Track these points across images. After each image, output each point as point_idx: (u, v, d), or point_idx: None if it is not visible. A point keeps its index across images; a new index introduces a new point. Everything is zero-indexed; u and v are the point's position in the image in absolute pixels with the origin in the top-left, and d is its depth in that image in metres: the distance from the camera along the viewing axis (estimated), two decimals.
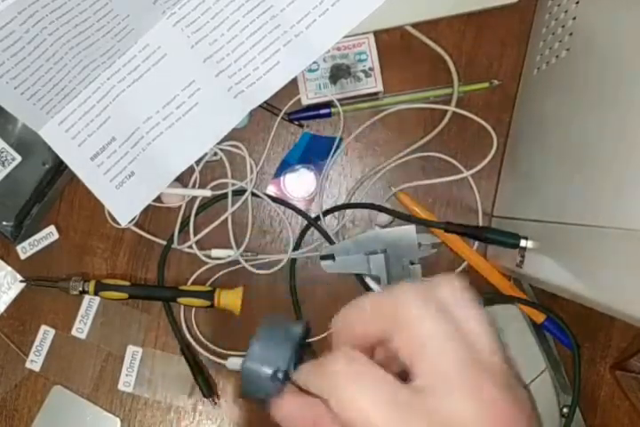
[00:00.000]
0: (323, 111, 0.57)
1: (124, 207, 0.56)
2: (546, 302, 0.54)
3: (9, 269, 0.58)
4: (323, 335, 0.50)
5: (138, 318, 0.58)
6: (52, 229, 0.58)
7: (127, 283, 0.56)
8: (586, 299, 0.38)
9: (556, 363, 0.55)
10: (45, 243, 0.58)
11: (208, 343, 0.58)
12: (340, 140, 0.57)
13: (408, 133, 0.58)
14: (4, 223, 0.56)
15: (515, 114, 0.57)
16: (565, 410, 0.52)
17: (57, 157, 0.55)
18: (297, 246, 0.58)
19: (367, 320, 0.27)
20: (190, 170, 0.57)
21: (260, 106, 0.56)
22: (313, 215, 0.58)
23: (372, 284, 0.55)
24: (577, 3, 0.47)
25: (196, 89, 0.55)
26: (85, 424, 0.58)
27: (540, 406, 0.49)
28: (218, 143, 0.56)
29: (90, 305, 0.57)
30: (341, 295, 0.57)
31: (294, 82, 0.55)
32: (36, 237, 0.58)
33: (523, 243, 0.48)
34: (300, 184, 0.58)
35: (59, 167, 0.56)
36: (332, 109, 0.56)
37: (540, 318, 0.54)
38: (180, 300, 0.56)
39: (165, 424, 0.58)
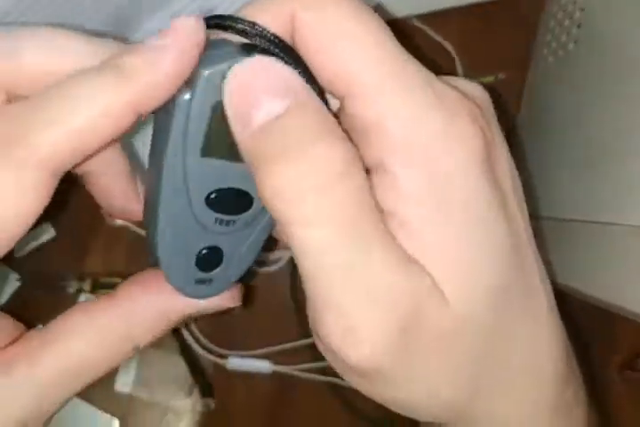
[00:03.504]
0: None
1: None
2: None
3: (4, 266, 0.57)
4: None
5: None
6: (48, 226, 0.57)
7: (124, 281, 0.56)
8: (598, 299, 0.37)
9: None
10: (41, 241, 0.57)
11: (207, 343, 0.57)
12: None
13: None
14: None
15: (522, 108, 0.56)
16: None
17: None
18: None
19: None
20: None
21: None
22: None
23: None
24: None
25: None
26: (82, 425, 0.57)
27: None
28: None
29: None
30: None
31: None
32: (32, 234, 0.57)
33: None
34: None
35: None
36: None
37: None
38: None
39: (164, 425, 0.57)
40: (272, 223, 0.24)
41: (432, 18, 0.56)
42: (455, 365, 0.20)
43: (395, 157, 0.19)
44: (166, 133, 0.20)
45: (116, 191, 0.25)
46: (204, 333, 0.57)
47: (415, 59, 0.20)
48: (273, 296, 0.57)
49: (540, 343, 0.22)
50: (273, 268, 0.56)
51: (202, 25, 0.19)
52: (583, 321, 0.54)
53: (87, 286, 0.55)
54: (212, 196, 0.21)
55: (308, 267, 0.19)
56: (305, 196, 0.18)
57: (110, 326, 0.23)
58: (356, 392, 0.24)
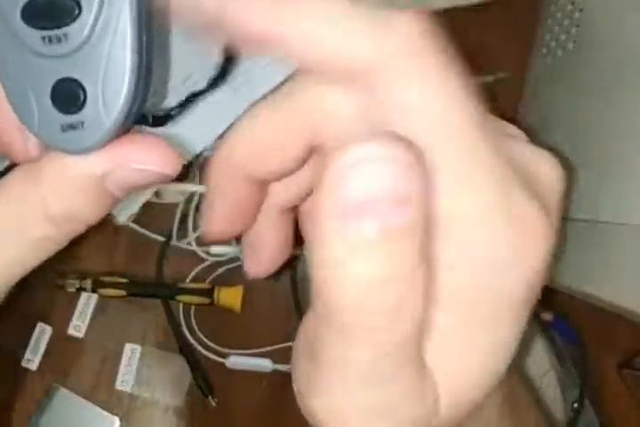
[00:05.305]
0: None
1: (121, 203, 0.55)
2: (550, 300, 0.54)
3: None
4: None
5: (136, 315, 0.57)
6: None
7: (125, 280, 0.56)
8: (597, 299, 0.37)
9: (563, 361, 0.54)
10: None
11: (207, 342, 0.57)
12: None
13: None
14: None
15: (521, 108, 0.56)
16: (576, 405, 0.51)
17: None
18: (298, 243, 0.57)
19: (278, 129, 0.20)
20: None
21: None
22: None
23: None
24: None
25: None
26: (83, 423, 0.57)
27: (546, 404, 0.48)
28: (218, 138, 0.55)
29: (87, 303, 0.56)
30: None
31: None
32: None
33: None
34: None
35: None
36: None
37: (546, 316, 0.53)
38: (179, 298, 0.56)
39: (164, 423, 0.57)
40: (134, 44, 0.19)
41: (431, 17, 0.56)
42: None
43: (445, 256, 0.18)
44: None
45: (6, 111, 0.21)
46: (205, 332, 0.57)
47: (495, 141, 0.18)
48: (273, 295, 0.57)
49: None
50: None
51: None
52: (583, 320, 0.54)
53: (88, 284, 0.55)
54: (27, 7, 0.18)
55: (327, 358, 0.18)
56: (375, 323, 0.16)
57: (17, 179, 0.20)
58: None
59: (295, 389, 0.20)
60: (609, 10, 0.43)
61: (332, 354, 0.17)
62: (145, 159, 0.19)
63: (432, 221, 0.17)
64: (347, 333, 0.16)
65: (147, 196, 0.55)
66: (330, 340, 0.17)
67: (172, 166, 0.20)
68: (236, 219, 0.23)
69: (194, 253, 0.57)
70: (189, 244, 0.57)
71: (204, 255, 0.57)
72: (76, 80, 0.18)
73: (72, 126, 0.19)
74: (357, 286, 0.15)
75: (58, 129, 0.19)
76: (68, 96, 0.19)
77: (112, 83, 0.18)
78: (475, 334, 0.18)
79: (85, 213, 0.20)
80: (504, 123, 0.20)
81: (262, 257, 0.25)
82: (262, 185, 0.23)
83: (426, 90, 0.17)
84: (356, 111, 0.18)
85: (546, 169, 0.19)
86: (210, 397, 0.56)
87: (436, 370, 0.18)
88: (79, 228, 0.20)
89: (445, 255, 0.17)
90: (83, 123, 0.19)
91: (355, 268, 0.15)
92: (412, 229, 0.15)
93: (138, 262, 0.58)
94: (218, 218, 0.23)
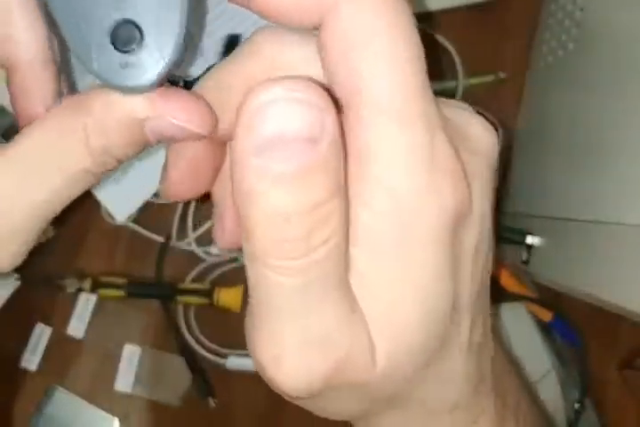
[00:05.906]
0: None
1: (121, 203, 0.55)
2: (550, 300, 0.53)
3: None
4: None
5: (135, 316, 0.57)
6: (47, 225, 0.57)
7: (124, 281, 0.56)
8: (598, 299, 0.37)
9: (564, 361, 0.54)
10: (41, 240, 0.57)
11: (207, 342, 0.57)
12: None
13: None
14: None
15: (522, 107, 0.56)
16: (577, 406, 0.51)
17: None
18: None
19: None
20: None
21: None
22: None
23: None
24: None
25: None
26: (83, 424, 0.57)
27: (547, 404, 0.48)
28: None
29: (86, 303, 0.56)
30: None
31: None
32: None
33: (529, 240, 0.47)
34: None
35: None
36: None
37: (546, 316, 0.53)
38: (179, 298, 0.55)
39: (163, 424, 0.57)
40: None
41: (432, 17, 0.56)
42: (364, 405, 0.21)
43: (365, 194, 0.19)
44: None
45: (34, 90, 0.23)
46: (204, 332, 0.57)
47: (433, 96, 0.19)
48: None
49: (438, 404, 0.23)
50: None
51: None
52: (583, 320, 0.53)
53: (87, 285, 0.55)
54: None
55: (259, 293, 0.19)
56: (291, 250, 0.17)
57: (60, 111, 0.21)
58: None
59: (248, 348, 0.21)
60: (610, 9, 0.43)
61: (263, 289, 0.19)
62: (183, 117, 0.20)
63: (356, 156, 0.18)
64: (271, 262, 0.18)
65: (146, 196, 0.55)
66: (258, 274, 0.18)
67: (206, 128, 0.21)
68: (193, 179, 0.24)
69: (193, 253, 0.57)
70: (189, 244, 0.57)
71: (203, 255, 0.56)
72: (132, 21, 0.20)
73: (130, 64, 0.20)
74: (275, 217, 0.17)
75: (117, 67, 0.20)
76: (126, 36, 0.20)
77: (166, 22, 0.20)
78: (398, 270, 0.19)
79: (120, 149, 0.21)
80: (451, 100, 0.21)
81: (225, 226, 0.26)
82: (219, 145, 0.23)
83: (378, 24, 0.18)
84: (315, 59, 0.19)
85: (478, 131, 0.21)
86: (209, 398, 0.56)
87: (366, 311, 0.19)
88: (112, 162, 0.21)
89: (365, 192, 0.18)
90: (140, 60, 0.20)
91: (271, 200, 0.16)
92: (324, 166, 0.16)
93: (137, 263, 0.58)
94: (175, 176, 0.24)
